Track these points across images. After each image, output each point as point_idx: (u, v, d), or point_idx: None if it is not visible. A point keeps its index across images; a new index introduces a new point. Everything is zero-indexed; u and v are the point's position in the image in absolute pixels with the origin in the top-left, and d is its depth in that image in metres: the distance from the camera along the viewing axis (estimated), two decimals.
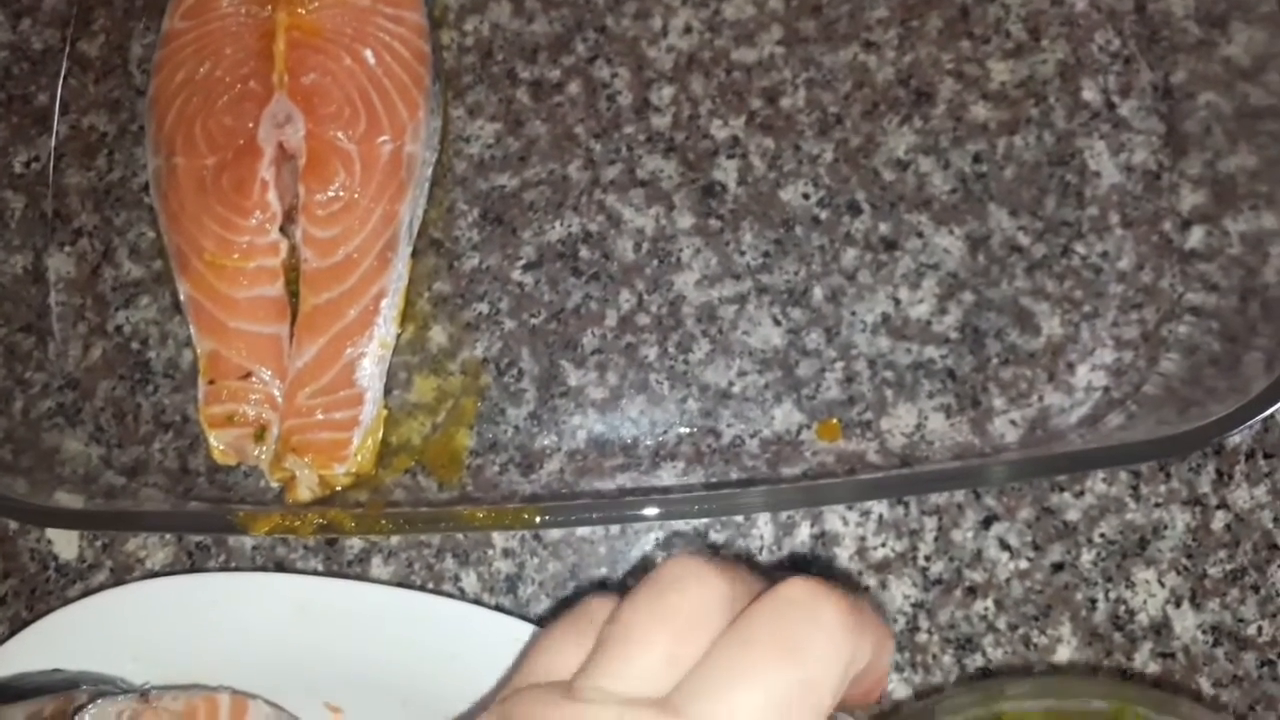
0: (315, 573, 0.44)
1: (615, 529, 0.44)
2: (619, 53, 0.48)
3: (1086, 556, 0.43)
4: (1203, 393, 0.41)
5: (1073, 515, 0.43)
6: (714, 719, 0.22)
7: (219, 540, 0.45)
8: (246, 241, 0.44)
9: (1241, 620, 0.42)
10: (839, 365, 0.44)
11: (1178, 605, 0.42)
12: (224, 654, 0.40)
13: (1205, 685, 0.41)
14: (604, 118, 0.47)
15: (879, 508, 0.43)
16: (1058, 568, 0.43)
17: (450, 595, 0.43)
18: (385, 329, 0.44)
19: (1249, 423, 0.37)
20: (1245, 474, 0.43)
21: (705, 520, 0.43)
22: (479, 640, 0.40)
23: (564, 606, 0.43)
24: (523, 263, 0.46)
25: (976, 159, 0.46)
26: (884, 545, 0.43)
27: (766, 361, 0.45)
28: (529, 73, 0.48)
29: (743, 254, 0.46)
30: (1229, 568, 0.42)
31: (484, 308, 0.46)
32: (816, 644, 0.23)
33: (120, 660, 0.41)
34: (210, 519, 0.42)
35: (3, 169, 0.49)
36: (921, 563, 0.43)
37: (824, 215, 0.46)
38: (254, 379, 0.43)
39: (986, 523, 0.43)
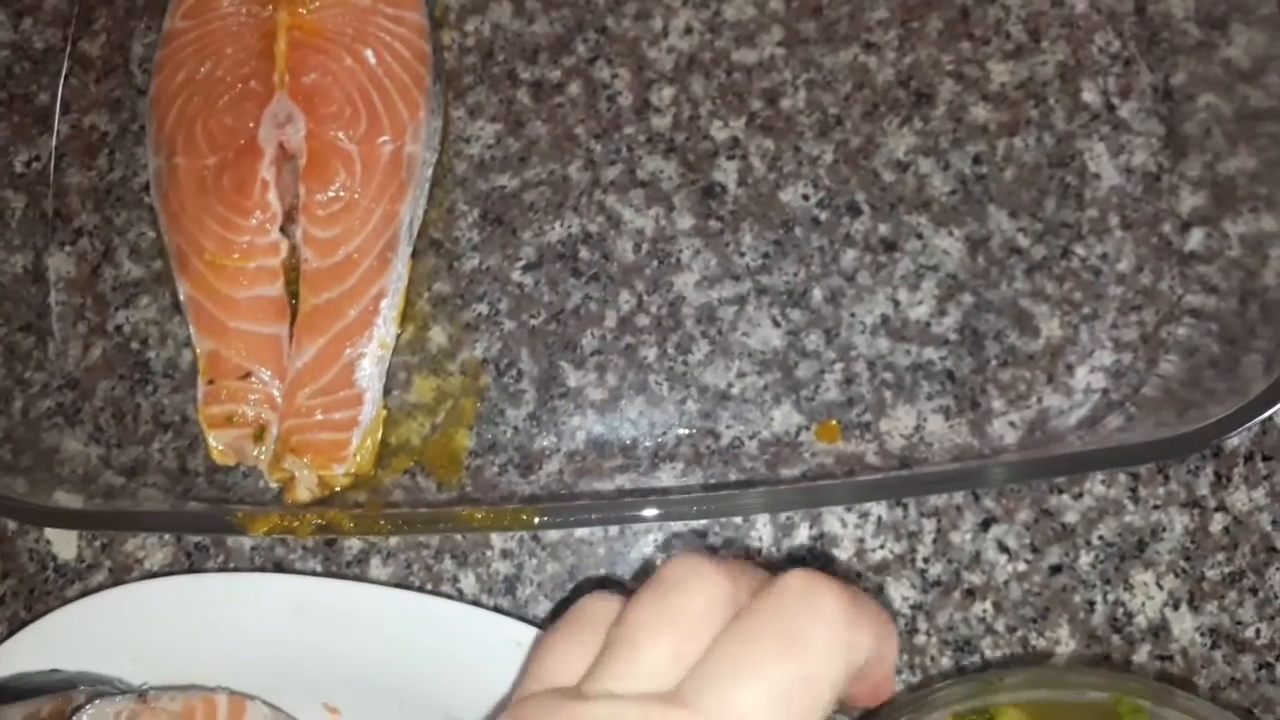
0: (314, 573, 0.44)
1: (614, 530, 0.44)
2: (619, 53, 0.48)
3: (1085, 558, 0.43)
4: (1201, 395, 0.41)
5: (1071, 517, 0.43)
6: (719, 711, 0.22)
7: (218, 541, 0.45)
8: (247, 241, 0.44)
9: (1240, 623, 0.42)
10: (838, 367, 0.44)
11: (1176, 607, 0.42)
12: (222, 654, 0.41)
13: (1203, 688, 0.41)
14: (604, 118, 0.47)
15: (878, 509, 0.43)
16: (1056, 570, 0.43)
17: (449, 596, 0.43)
18: (385, 329, 0.44)
19: (1247, 425, 0.37)
20: (1244, 476, 0.43)
21: (704, 521, 0.43)
22: (477, 641, 0.40)
23: (562, 608, 0.43)
24: (522, 263, 0.46)
25: (976, 160, 0.46)
26: (883, 547, 0.43)
27: (766, 363, 0.45)
28: (529, 73, 0.48)
29: (742, 255, 0.46)
30: (1227, 570, 0.42)
31: (483, 308, 0.46)
32: (816, 635, 0.23)
33: (118, 660, 0.41)
34: (209, 519, 0.42)
35: (3, 168, 0.49)
36: (920, 564, 0.43)
37: (824, 216, 0.46)
38: (253, 379, 0.43)
39: (985, 525, 0.43)
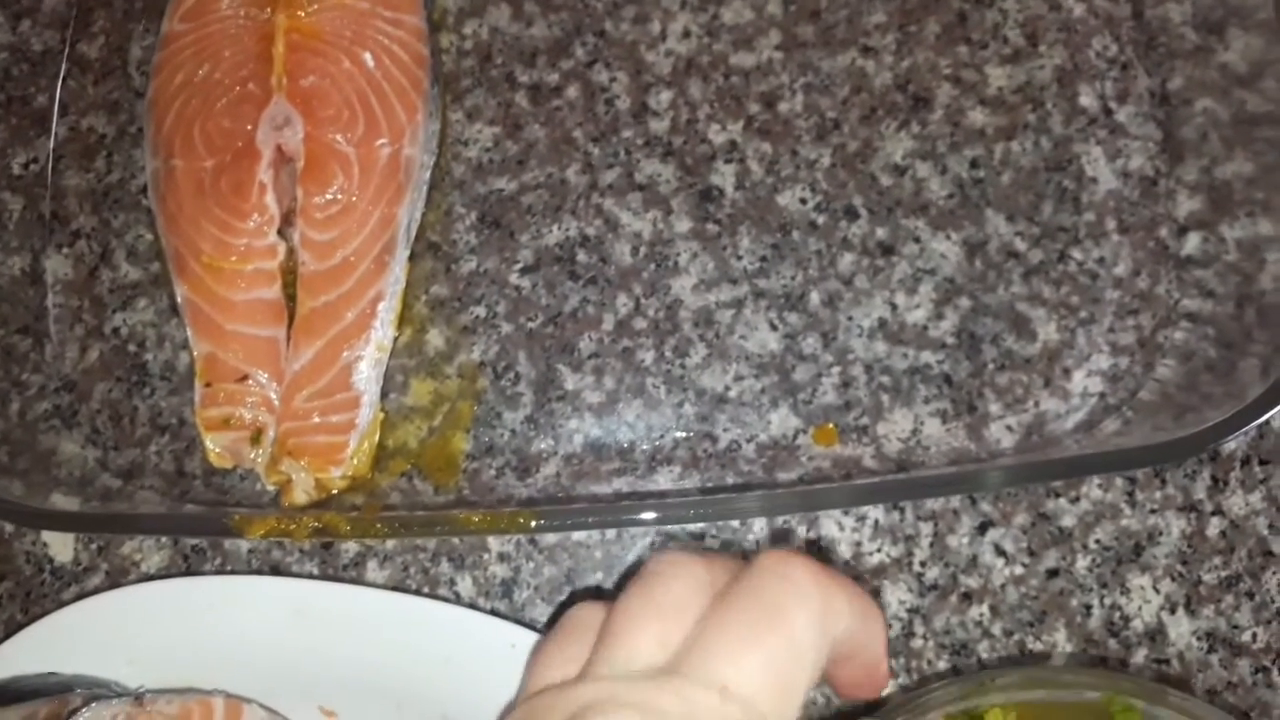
0: (311, 576, 0.44)
1: (611, 533, 0.44)
2: (617, 57, 0.48)
3: (1082, 562, 0.43)
4: (1198, 399, 0.41)
5: (1068, 521, 0.43)
6: (705, 679, 0.23)
7: (215, 543, 0.45)
8: (244, 244, 0.44)
9: (1236, 626, 0.42)
10: (835, 370, 0.44)
11: (1173, 611, 0.42)
12: (219, 657, 0.40)
13: (1199, 692, 0.41)
14: (602, 122, 0.47)
15: (875, 513, 0.43)
16: (1053, 573, 0.43)
17: (446, 599, 0.43)
18: (382, 332, 0.44)
19: (1244, 429, 0.37)
20: (1240, 480, 0.43)
21: (701, 525, 0.43)
22: (474, 644, 0.40)
23: (559, 611, 0.43)
24: (520, 266, 0.46)
25: (974, 164, 0.46)
26: (879, 550, 0.43)
27: (763, 366, 0.45)
28: (527, 76, 0.48)
29: (740, 258, 0.46)
30: (1224, 574, 0.42)
31: (481, 311, 0.46)
32: (790, 602, 0.25)
33: (115, 663, 0.41)
34: (206, 522, 0.42)
35: (1, 170, 0.49)
36: (917, 568, 0.43)
37: (821, 220, 0.46)
38: (251, 382, 0.43)
39: (982, 528, 0.43)
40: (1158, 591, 0.42)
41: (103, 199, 0.49)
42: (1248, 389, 0.38)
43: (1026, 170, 0.46)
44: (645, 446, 0.44)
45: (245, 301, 0.44)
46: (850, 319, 0.45)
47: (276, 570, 0.44)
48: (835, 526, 0.43)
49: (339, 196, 0.44)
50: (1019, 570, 0.43)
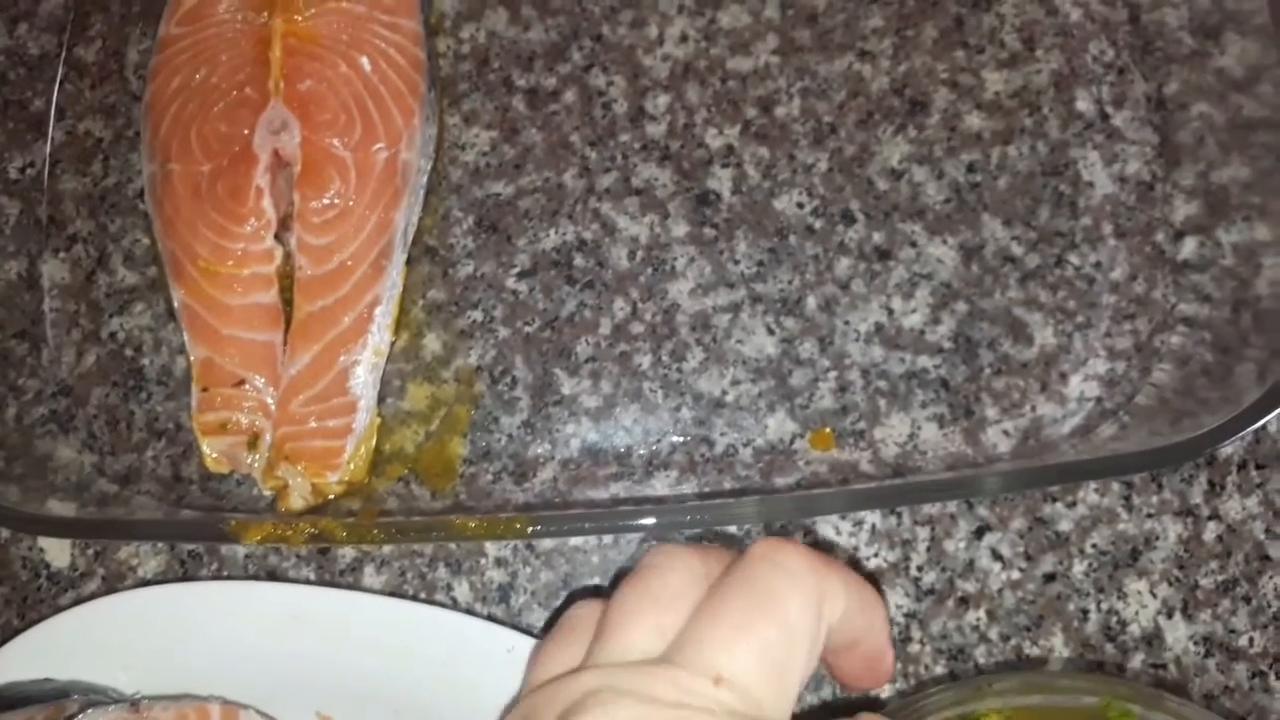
0: (308, 582, 0.44)
1: (608, 538, 0.44)
2: (615, 61, 0.48)
3: (1079, 567, 0.43)
4: (1195, 403, 0.41)
5: (1065, 525, 0.43)
6: (701, 666, 0.24)
7: (211, 549, 0.45)
8: (241, 248, 0.44)
9: (1233, 631, 0.42)
10: (832, 374, 0.44)
11: (1169, 616, 0.42)
12: (215, 663, 0.40)
13: (1196, 696, 0.41)
14: (599, 126, 0.47)
15: (872, 518, 0.43)
16: (1050, 578, 0.43)
17: (443, 605, 0.43)
18: (379, 336, 0.44)
19: (1241, 434, 0.37)
20: (1237, 485, 0.43)
21: (698, 530, 0.43)
22: (471, 649, 0.40)
23: (557, 616, 0.43)
24: (517, 270, 0.46)
25: (970, 169, 0.46)
26: (876, 555, 0.43)
27: (760, 370, 0.45)
28: (525, 80, 0.48)
29: (737, 263, 0.46)
30: (1221, 579, 0.42)
31: (478, 315, 0.46)
32: (783, 587, 0.25)
33: (111, 669, 0.41)
34: (202, 529, 0.42)
35: None
36: (914, 573, 0.43)
37: (818, 224, 0.46)
38: (247, 386, 0.43)
39: (979, 533, 0.43)
40: (1154, 596, 0.42)
41: (99, 203, 0.48)
42: (1244, 394, 0.38)
43: (1023, 175, 0.46)
44: (642, 451, 0.44)
45: (242, 306, 0.44)
46: (847, 323, 0.45)
47: (273, 575, 0.44)
48: (832, 531, 0.43)
49: (336, 201, 0.44)
50: (1016, 575, 0.43)
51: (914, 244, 0.45)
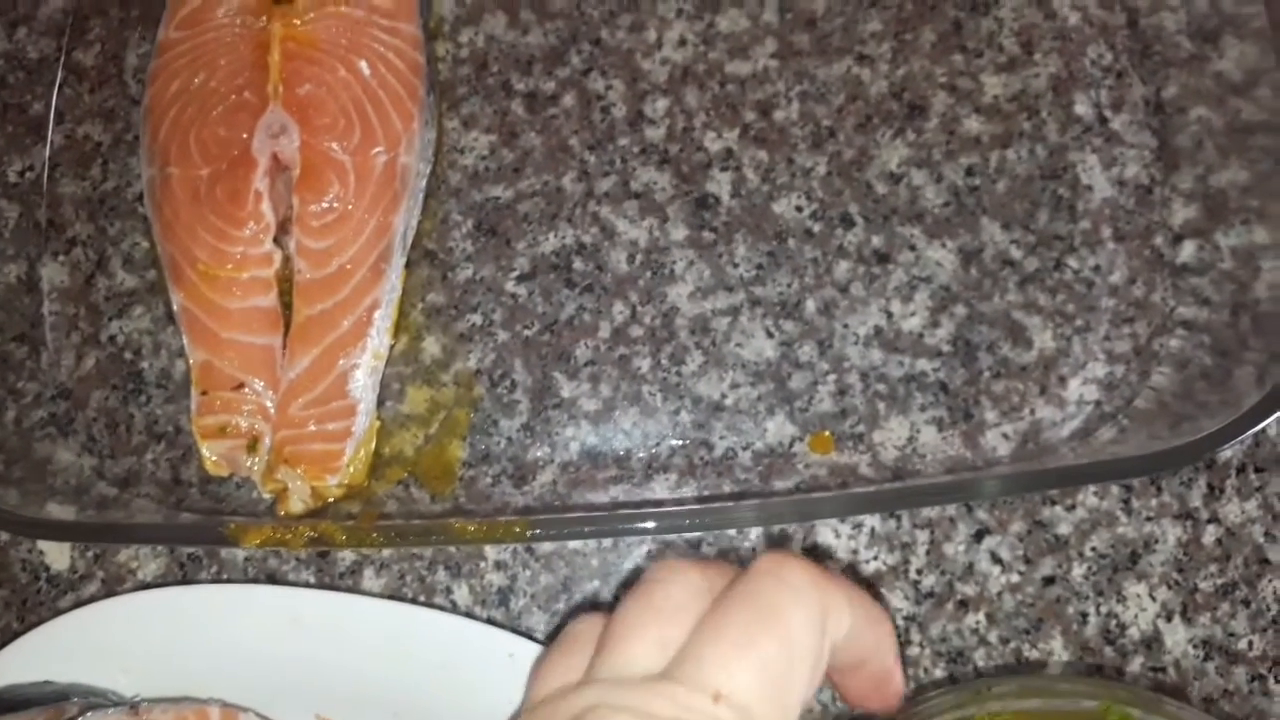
0: (307, 585, 0.44)
1: (607, 541, 0.44)
2: (614, 65, 0.48)
3: (1078, 570, 0.43)
4: (1194, 407, 0.41)
5: (1064, 529, 0.43)
6: (702, 682, 0.23)
7: (211, 551, 0.45)
8: (240, 252, 0.44)
9: (1232, 634, 0.42)
10: (831, 378, 0.44)
11: (1169, 619, 0.42)
12: (215, 666, 0.40)
13: (1196, 699, 0.41)
14: (598, 130, 0.47)
15: (871, 521, 0.43)
16: (1049, 581, 0.43)
17: (442, 608, 0.43)
18: (378, 340, 0.44)
19: (1240, 437, 0.37)
20: (1236, 488, 0.43)
21: (697, 534, 0.43)
22: (471, 653, 0.40)
23: (556, 619, 0.43)
24: (516, 274, 0.46)
25: (969, 172, 0.46)
26: (876, 558, 0.43)
27: (759, 374, 0.45)
28: (524, 84, 0.48)
29: (736, 266, 0.46)
30: (1220, 582, 0.42)
31: (477, 319, 0.46)
32: (787, 602, 0.25)
33: (111, 672, 0.41)
34: (202, 532, 0.42)
35: None
36: (913, 576, 0.43)
37: (817, 228, 0.46)
38: (247, 390, 0.43)
39: (978, 536, 0.43)
40: (1154, 599, 0.42)
41: (99, 206, 0.49)
42: (1243, 397, 0.38)
43: (1022, 178, 0.46)
44: (641, 454, 0.44)
45: (241, 309, 0.44)
46: (846, 327, 0.45)
47: (273, 578, 0.44)
48: (831, 534, 0.43)
49: (335, 205, 0.44)
50: (1015, 578, 0.43)
51: (913, 247, 0.45)
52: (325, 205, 0.44)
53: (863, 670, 0.27)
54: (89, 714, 0.38)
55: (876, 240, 0.46)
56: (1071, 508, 0.43)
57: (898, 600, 0.43)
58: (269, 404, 0.43)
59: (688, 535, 0.43)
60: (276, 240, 0.44)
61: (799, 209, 0.46)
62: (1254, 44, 0.41)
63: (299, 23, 0.45)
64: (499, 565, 0.44)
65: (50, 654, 0.41)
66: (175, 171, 0.45)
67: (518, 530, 0.39)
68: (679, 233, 0.46)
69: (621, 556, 0.44)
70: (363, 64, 0.45)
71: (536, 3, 0.49)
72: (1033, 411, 0.44)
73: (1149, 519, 0.43)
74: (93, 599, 0.44)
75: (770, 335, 0.45)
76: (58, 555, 0.45)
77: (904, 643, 0.42)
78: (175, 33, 0.47)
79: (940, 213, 0.46)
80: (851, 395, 0.44)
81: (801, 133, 0.47)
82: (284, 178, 0.44)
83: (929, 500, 0.42)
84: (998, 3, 0.48)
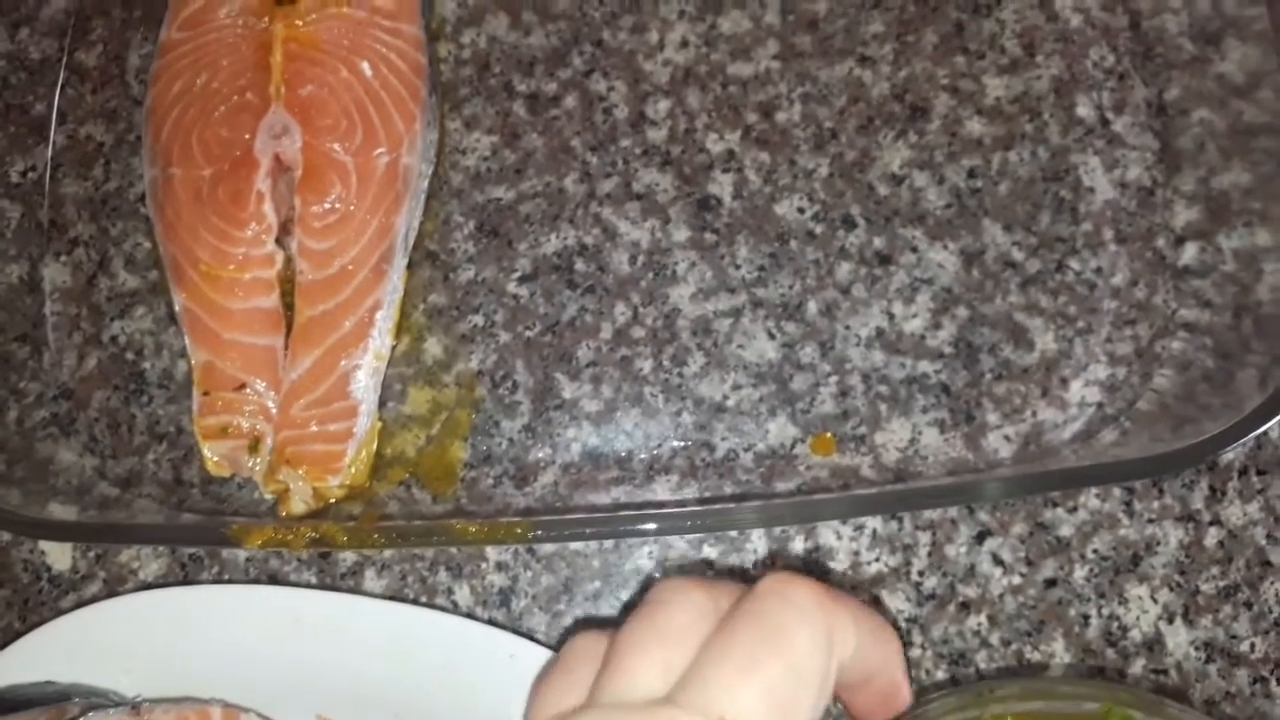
0: (309, 585, 0.44)
1: (609, 542, 0.44)
2: (615, 66, 0.48)
3: (1080, 572, 0.43)
4: (1196, 409, 0.41)
5: (1066, 531, 0.43)
6: (706, 706, 0.23)
7: (212, 552, 0.45)
8: (242, 253, 0.44)
9: (1234, 637, 0.42)
10: (833, 379, 0.44)
11: (1170, 621, 0.42)
12: (216, 667, 0.40)
13: (1198, 702, 0.41)
14: (600, 131, 0.47)
15: (872, 522, 0.43)
16: (1051, 583, 0.43)
17: (443, 609, 0.43)
18: (380, 341, 0.44)
19: (1242, 440, 0.37)
20: (1238, 490, 0.43)
21: (699, 535, 0.43)
22: (472, 654, 0.40)
23: (557, 620, 0.43)
24: (518, 275, 0.46)
25: (971, 174, 0.46)
26: (877, 560, 0.43)
27: (761, 375, 0.45)
28: (526, 86, 0.48)
29: (738, 268, 0.46)
30: (1222, 584, 0.42)
31: (479, 320, 0.46)
32: (792, 624, 0.24)
33: (112, 673, 0.41)
34: (203, 532, 0.42)
35: None
36: (915, 578, 0.43)
37: (819, 230, 0.46)
38: (248, 390, 0.43)
39: (980, 538, 0.43)
40: (1155, 601, 0.42)
41: (101, 207, 0.49)
42: (1245, 400, 0.38)
43: (1024, 180, 0.46)
44: (643, 455, 0.44)
45: (243, 310, 0.44)
46: (848, 328, 0.45)
47: (274, 579, 0.44)
48: (833, 536, 0.43)
49: (337, 205, 0.44)
50: (1017, 580, 0.43)
51: (915, 249, 0.45)
52: (327, 206, 0.44)
53: (870, 686, 0.27)
54: (90, 714, 0.38)
55: (878, 242, 0.46)
56: (1073, 510, 0.43)
57: (899, 602, 0.43)
58: (271, 405, 0.43)
59: (689, 536, 0.43)
60: (278, 241, 0.44)
61: (801, 210, 0.46)
62: (1256, 46, 0.41)
63: (301, 24, 0.45)
64: (500, 566, 0.44)
65: (52, 654, 0.41)
66: (177, 172, 0.45)
67: (519, 531, 0.39)
68: (681, 234, 0.46)
69: (622, 557, 0.44)
70: (365, 65, 0.45)
71: (538, 4, 0.49)
72: (1034, 413, 0.44)
73: (1151, 521, 0.43)
74: (94, 599, 0.44)
75: (772, 337, 0.45)
76: (59, 555, 0.45)
77: (906, 645, 0.42)
78: (177, 33, 0.47)
79: (942, 214, 0.46)
80: (853, 397, 0.44)
81: (803, 134, 0.47)
82: (286, 179, 0.45)
83: (931, 502, 0.42)
84: (1000, 4, 0.48)
